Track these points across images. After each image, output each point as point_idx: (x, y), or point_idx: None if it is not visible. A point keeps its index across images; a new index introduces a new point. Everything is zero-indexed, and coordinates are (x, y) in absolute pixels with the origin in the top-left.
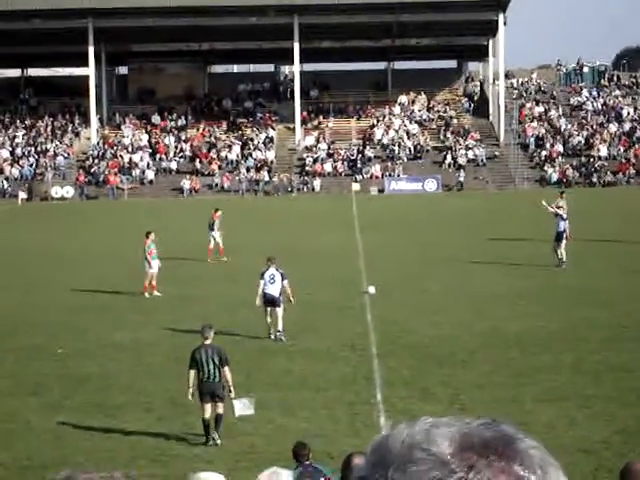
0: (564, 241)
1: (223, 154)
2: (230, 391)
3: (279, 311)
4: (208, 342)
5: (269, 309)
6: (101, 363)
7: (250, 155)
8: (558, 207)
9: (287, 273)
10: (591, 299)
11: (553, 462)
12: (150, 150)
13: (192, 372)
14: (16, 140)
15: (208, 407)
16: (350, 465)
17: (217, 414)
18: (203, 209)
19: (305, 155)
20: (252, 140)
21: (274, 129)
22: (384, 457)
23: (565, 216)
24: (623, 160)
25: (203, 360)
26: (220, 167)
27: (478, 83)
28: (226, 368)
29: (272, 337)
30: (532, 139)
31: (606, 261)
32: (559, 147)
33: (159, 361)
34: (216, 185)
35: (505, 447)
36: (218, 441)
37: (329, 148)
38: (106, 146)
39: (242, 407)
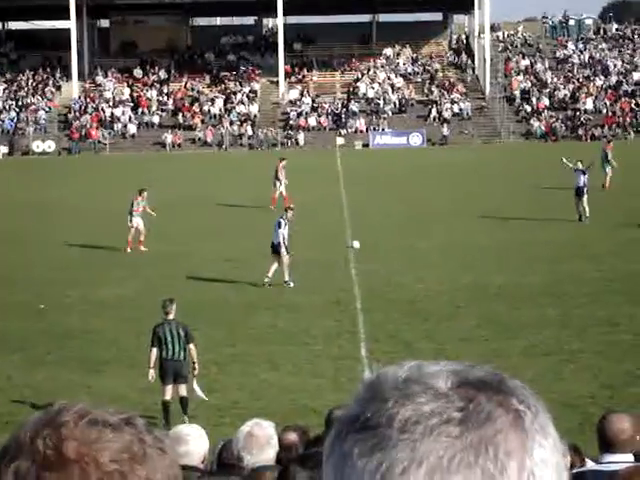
0: (585, 195)
1: (206, 108)
2: (194, 369)
3: (282, 259)
4: (171, 317)
5: (273, 255)
6: (84, 319)
7: (233, 109)
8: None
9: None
10: (577, 253)
11: (540, 401)
12: (132, 104)
13: (154, 350)
14: None
15: (169, 388)
16: (332, 418)
17: (182, 397)
18: (186, 163)
19: (289, 109)
20: (235, 94)
21: (257, 82)
22: (379, 393)
23: (586, 170)
24: (609, 114)
25: (167, 337)
26: (203, 121)
27: (463, 36)
28: (191, 345)
29: (265, 285)
30: (518, 92)
31: (592, 214)
32: (545, 101)
33: (143, 317)
34: (199, 139)
35: (500, 383)
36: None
37: (313, 102)
38: (87, 100)
39: (198, 392)
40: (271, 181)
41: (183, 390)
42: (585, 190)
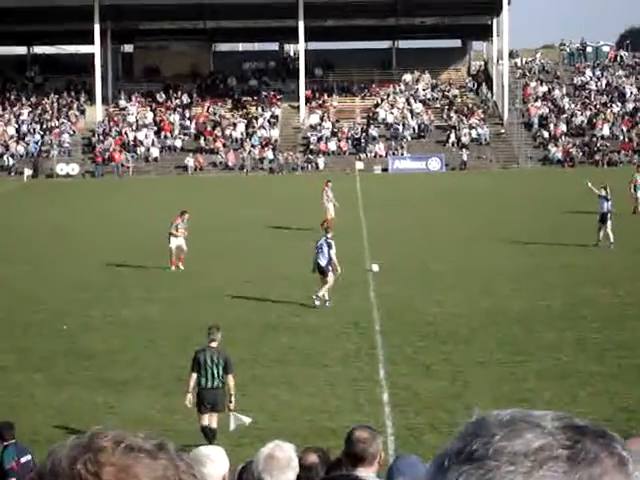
0: (609, 222)
1: (228, 132)
2: (231, 402)
3: (327, 279)
4: (214, 345)
5: (320, 277)
6: (106, 339)
7: (255, 133)
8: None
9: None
10: (594, 277)
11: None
12: (155, 128)
13: (194, 375)
14: (21, 117)
15: (206, 417)
16: (352, 438)
17: (210, 428)
18: (207, 186)
19: (309, 134)
20: (257, 118)
21: (279, 107)
22: (484, 429)
23: (609, 197)
24: (626, 140)
25: (208, 364)
26: (224, 145)
27: (482, 62)
28: (231, 376)
29: (327, 304)
30: (535, 118)
31: (615, 239)
32: (562, 126)
33: (164, 337)
34: (220, 163)
35: (604, 432)
36: None
37: (333, 127)
38: (111, 124)
39: (238, 420)
40: (320, 205)
41: (214, 421)
42: (609, 216)
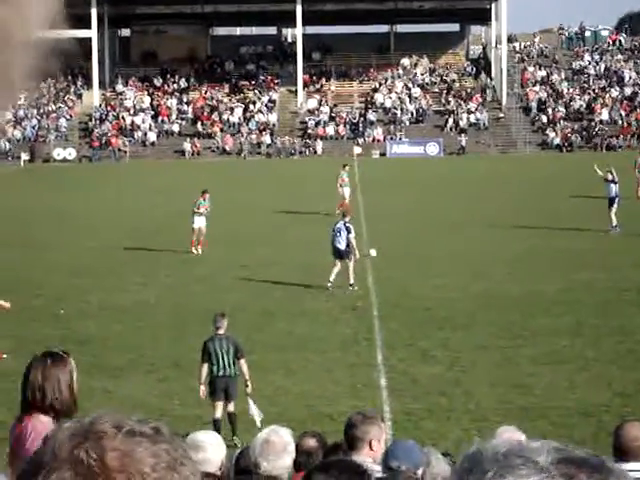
0: (615, 205)
1: (225, 117)
2: (247, 385)
3: (349, 264)
4: (221, 332)
5: (337, 261)
6: (103, 324)
7: (252, 118)
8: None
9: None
10: (592, 262)
11: None
12: (152, 112)
13: (205, 366)
14: (18, 102)
15: (220, 405)
16: (350, 423)
17: (229, 413)
18: (204, 171)
19: (307, 118)
20: (254, 103)
21: (276, 92)
22: (479, 464)
23: (616, 180)
24: (624, 124)
25: (218, 352)
26: (222, 130)
27: (481, 47)
28: (242, 360)
29: (329, 288)
30: (534, 103)
31: (605, 224)
32: (561, 111)
33: (161, 323)
34: (218, 148)
35: (601, 465)
36: (238, 443)
37: (331, 111)
38: (108, 108)
39: (253, 411)
40: (337, 190)
41: (232, 405)
42: (616, 200)
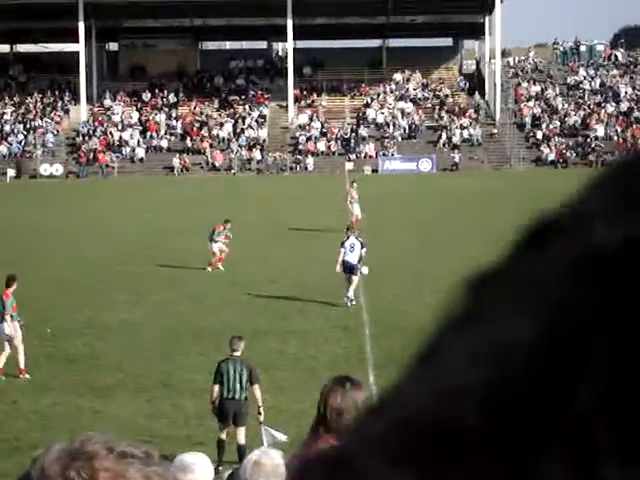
0: None
1: (215, 132)
2: (259, 413)
3: (354, 279)
4: (237, 354)
5: (346, 275)
6: (90, 343)
7: (242, 133)
8: None
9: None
10: None
11: None
12: (140, 128)
13: (216, 387)
14: (5, 117)
15: (225, 430)
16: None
17: (239, 445)
18: (193, 187)
19: (298, 134)
20: (244, 118)
21: (267, 107)
22: None
23: None
24: (620, 140)
25: (230, 374)
26: (211, 145)
27: (474, 61)
28: (256, 386)
29: (352, 303)
30: (528, 118)
31: None
32: (555, 127)
33: (148, 341)
34: (207, 163)
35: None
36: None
37: (322, 127)
38: (96, 123)
39: (271, 436)
40: (347, 206)
41: (242, 436)
42: None
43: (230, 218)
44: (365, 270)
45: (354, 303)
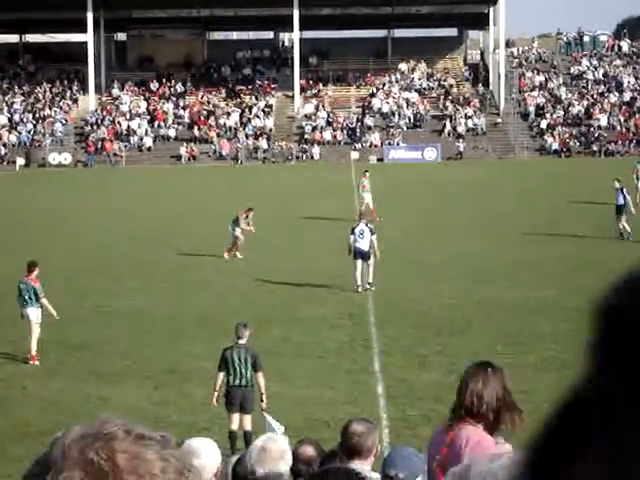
0: (624, 215)
1: (222, 121)
2: (262, 400)
3: (370, 263)
4: (242, 342)
5: (359, 262)
6: (98, 330)
7: (249, 122)
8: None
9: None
10: (591, 268)
11: None
12: (148, 117)
13: (221, 374)
14: (14, 106)
15: (236, 417)
16: (348, 431)
17: (245, 431)
18: (200, 176)
19: (304, 123)
20: (251, 108)
21: (273, 97)
22: None
23: (625, 188)
24: (623, 130)
25: (235, 362)
26: (218, 134)
27: (479, 51)
28: (260, 373)
29: (359, 290)
30: (532, 108)
31: (605, 230)
32: (559, 116)
33: (156, 328)
34: (214, 152)
35: None
36: None
37: (328, 116)
38: (104, 113)
39: (270, 425)
40: (358, 196)
41: (248, 422)
42: (624, 209)
43: (251, 206)
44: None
45: (373, 289)
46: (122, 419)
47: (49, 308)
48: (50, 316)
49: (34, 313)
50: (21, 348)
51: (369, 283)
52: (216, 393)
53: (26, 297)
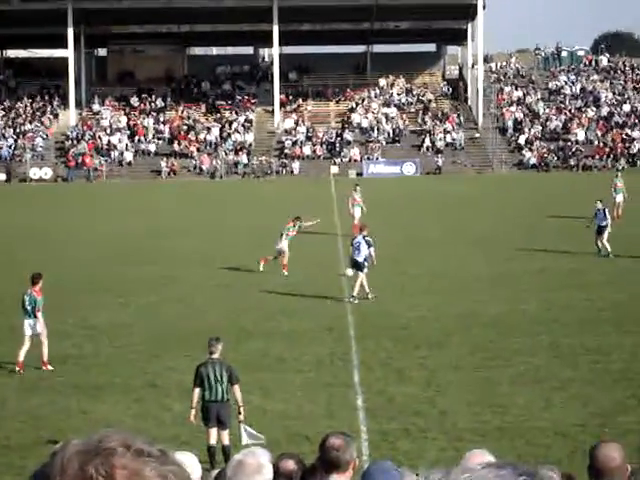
0: (606, 234)
1: (202, 136)
2: (240, 412)
3: (361, 275)
4: (215, 356)
5: (357, 272)
6: (79, 344)
7: (229, 137)
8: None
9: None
10: (569, 282)
11: None
12: (129, 132)
13: (197, 390)
14: None
15: (214, 432)
16: (326, 445)
17: (224, 445)
18: (180, 190)
19: (284, 138)
20: (231, 123)
21: (253, 112)
22: None
23: (606, 209)
24: (600, 144)
25: (211, 377)
26: (199, 149)
27: (457, 67)
28: (236, 386)
29: (369, 297)
30: (510, 123)
31: (582, 244)
32: (537, 131)
33: (137, 343)
34: (195, 167)
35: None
36: None
37: (308, 131)
38: (85, 128)
39: (250, 435)
40: (348, 211)
41: (226, 437)
42: (605, 228)
43: (215, 219)
44: (350, 272)
45: (356, 302)
46: (122, 433)
47: (41, 322)
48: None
49: (36, 324)
50: (5, 358)
51: (352, 296)
52: (194, 410)
53: (28, 308)
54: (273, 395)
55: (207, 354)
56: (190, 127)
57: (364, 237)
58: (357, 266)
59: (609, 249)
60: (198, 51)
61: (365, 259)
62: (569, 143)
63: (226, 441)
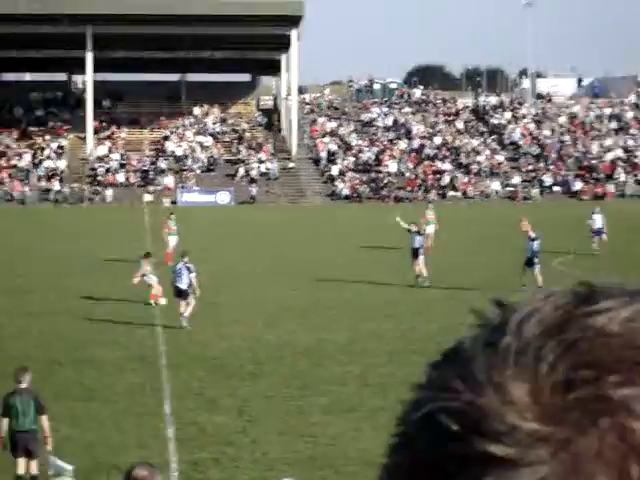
0: (421, 257)
1: (13, 162)
2: (46, 443)
3: (189, 300)
4: (24, 386)
5: (179, 300)
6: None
7: (41, 164)
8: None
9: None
10: (379, 312)
11: None
12: None
13: (5, 420)
14: None
15: (22, 462)
16: (131, 476)
17: (32, 476)
18: None
19: (97, 165)
20: (43, 149)
21: (66, 138)
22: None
23: (420, 231)
24: (412, 176)
25: (18, 407)
26: (10, 175)
27: (272, 97)
28: (44, 416)
29: (184, 326)
30: (324, 154)
31: (394, 274)
32: (350, 162)
33: None
34: (6, 194)
35: None
36: None
37: (122, 158)
38: None
39: (57, 466)
40: (163, 237)
41: (34, 467)
42: (420, 251)
43: (21, 247)
44: (163, 301)
45: (189, 327)
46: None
47: None
48: None
49: None
50: None
51: (184, 317)
52: (1, 440)
53: None
54: (82, 425)
55: (15, 384)
56: (2, 153)
57: (185, 264)
58: (181, 294)
59: (425, 273)
60: (11, 77)
61: (188, 286)
62: (381, 175)
63: (34, 471)
